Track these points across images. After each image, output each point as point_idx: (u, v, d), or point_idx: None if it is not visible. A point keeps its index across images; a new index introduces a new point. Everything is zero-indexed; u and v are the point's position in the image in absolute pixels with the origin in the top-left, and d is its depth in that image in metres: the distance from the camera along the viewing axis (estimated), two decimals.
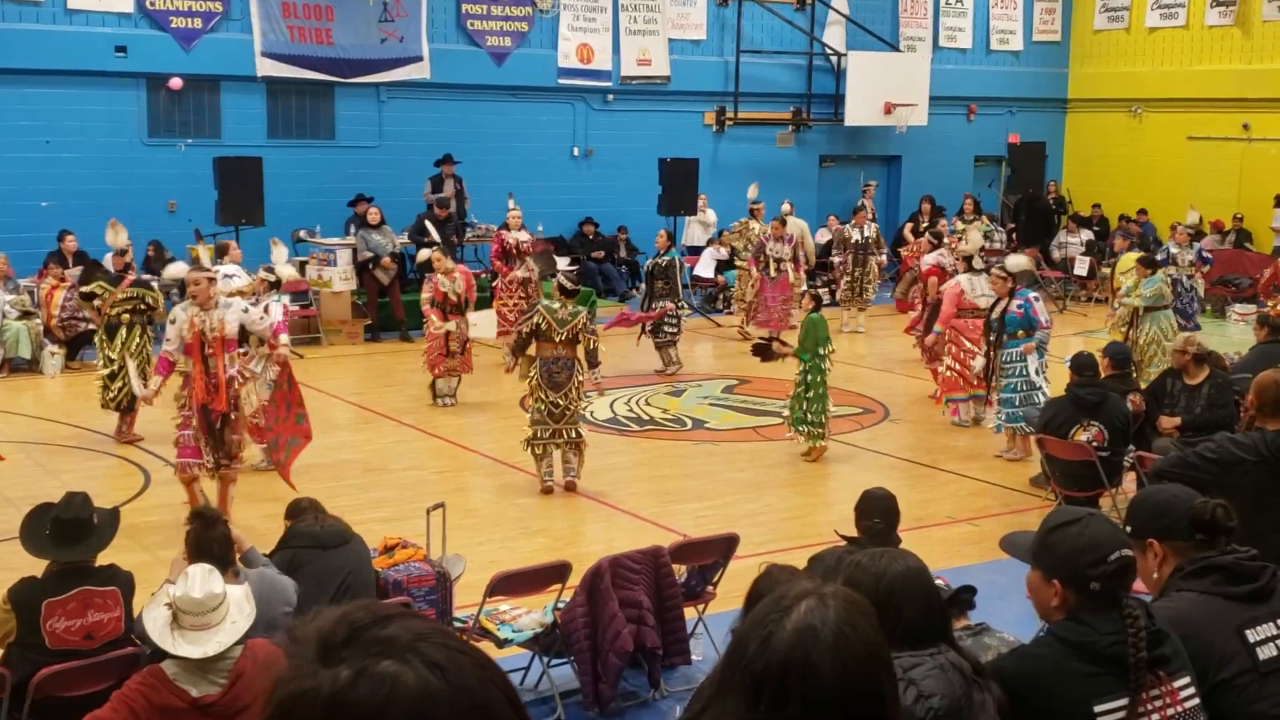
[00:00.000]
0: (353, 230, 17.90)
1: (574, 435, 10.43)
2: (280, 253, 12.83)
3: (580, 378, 10.44)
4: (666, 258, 15.22)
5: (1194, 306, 17.17)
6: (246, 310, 9.65)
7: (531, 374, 10.38)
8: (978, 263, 12.88)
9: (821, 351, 11.32)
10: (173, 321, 9.33)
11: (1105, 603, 3.07)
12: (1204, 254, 18.18)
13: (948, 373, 12.76)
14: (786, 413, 11.68)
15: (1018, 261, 12.19)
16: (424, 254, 14.48)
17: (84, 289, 12.18)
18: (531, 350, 10.51)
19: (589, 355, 10.52)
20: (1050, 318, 11.91)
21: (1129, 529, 3.61)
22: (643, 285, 21.42)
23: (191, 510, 5.80)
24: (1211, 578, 3.49)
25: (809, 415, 11.37)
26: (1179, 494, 3.68)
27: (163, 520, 9.44)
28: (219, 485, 9.43)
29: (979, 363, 12.19)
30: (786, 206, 18.06)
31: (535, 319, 10.37)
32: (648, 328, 15.27)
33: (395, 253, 17.65)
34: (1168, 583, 3.56)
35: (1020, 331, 11.50)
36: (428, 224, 16.28)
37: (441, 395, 13.45)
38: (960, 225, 19.63)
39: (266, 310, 10.55)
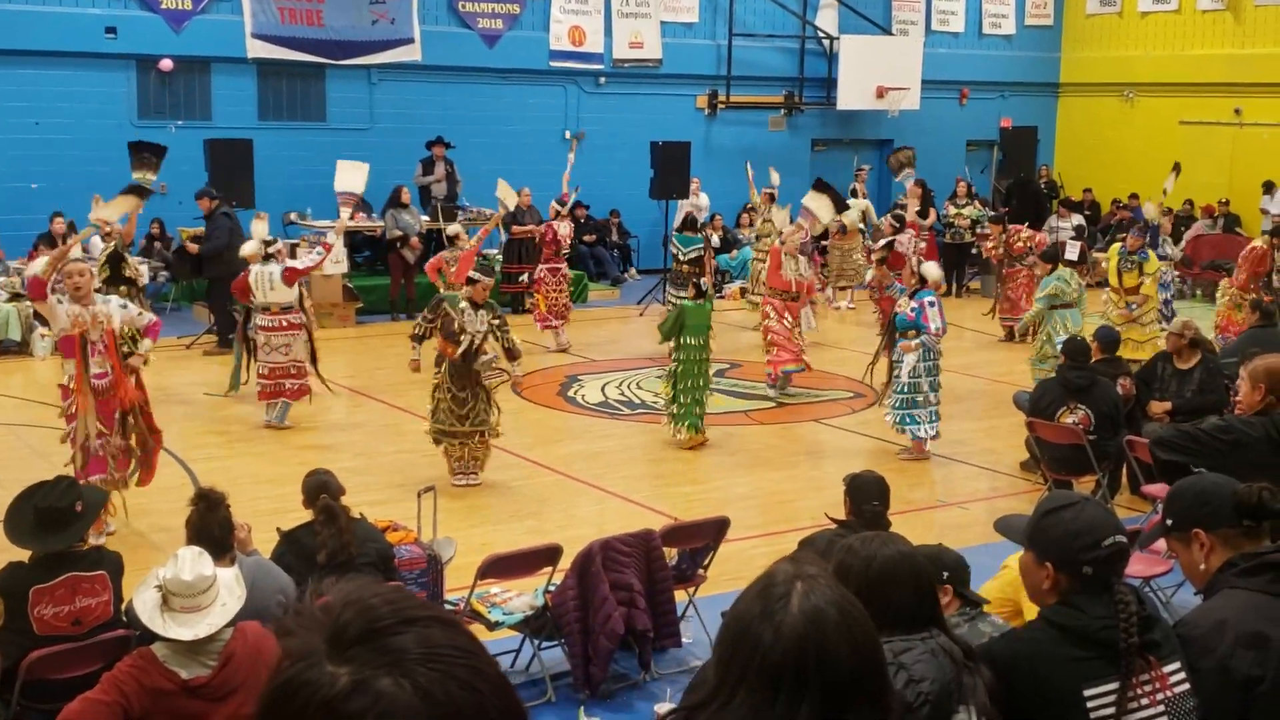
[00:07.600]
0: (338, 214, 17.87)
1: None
2: (260, 227, 12.54)
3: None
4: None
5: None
6: (125, 306, 9.14)
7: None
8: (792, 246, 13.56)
9: (687, 342, 11.31)
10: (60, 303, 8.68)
11: (1097, 587, 3.08)
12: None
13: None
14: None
15: (929, 269, 11.84)
16: (454, 228, 14.44)
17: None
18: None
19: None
20: (944, 325, 11.19)
21: (1169, 523, 3.54)
22: (632, 269, 21.49)
23: (196, 491, 5.77)
24: (1266, 576, 3.36)
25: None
26: (1218, 480, 3.61)
27: (153, 503, 9.42)
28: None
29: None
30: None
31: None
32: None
33: (423, 233, 17.67)
34: (1216, 577, 3.44)
35: (911, 332, 11.09)
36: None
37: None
38: (953, 209, 19.59)
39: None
